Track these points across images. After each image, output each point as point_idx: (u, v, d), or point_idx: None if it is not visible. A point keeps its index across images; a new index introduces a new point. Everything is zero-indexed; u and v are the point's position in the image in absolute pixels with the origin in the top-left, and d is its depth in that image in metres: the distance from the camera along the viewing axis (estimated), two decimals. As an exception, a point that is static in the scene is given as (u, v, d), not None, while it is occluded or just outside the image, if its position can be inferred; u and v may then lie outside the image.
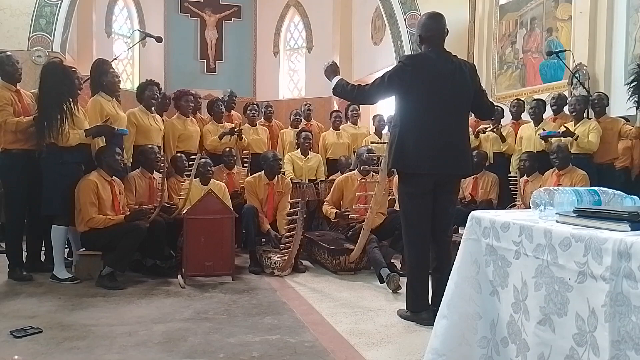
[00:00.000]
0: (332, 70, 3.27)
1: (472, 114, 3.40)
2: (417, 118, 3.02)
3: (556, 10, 6.37)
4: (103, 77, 4.22)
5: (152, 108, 4.77)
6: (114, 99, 4.34)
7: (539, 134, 5.00)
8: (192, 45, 10.95)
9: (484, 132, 5.51)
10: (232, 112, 6.46)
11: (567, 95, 5.44)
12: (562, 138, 4.82)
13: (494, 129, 5.41)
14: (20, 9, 6.39)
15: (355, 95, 3.16)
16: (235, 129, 5.50)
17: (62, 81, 3.83)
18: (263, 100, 7.47)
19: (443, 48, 3.09)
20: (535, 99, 5.47)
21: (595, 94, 5.05)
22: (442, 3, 6.62)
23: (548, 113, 5.34)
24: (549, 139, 4.92)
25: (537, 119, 5.24)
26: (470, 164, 3.19)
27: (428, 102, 3.00)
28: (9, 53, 4.03)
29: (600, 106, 4.93)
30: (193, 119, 5.46)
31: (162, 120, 5.01)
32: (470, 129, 3.46)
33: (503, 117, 5.71)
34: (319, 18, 10.49)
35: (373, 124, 6.68)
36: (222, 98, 6.37)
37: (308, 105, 6.94)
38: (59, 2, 6.46)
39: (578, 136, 4.74)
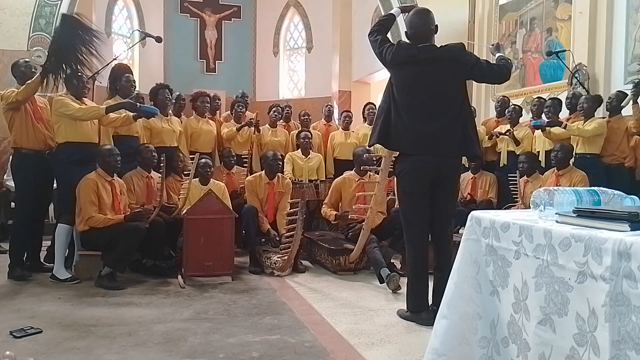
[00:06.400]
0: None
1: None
2: (401, 102, 3.02)
3: (556, 10, 6.36)
4: (117, 82, 4.41)
5: (166, 110, 4.91)
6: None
7: (528, 126, 4.99)
8: (192, 45, 10.93)
9: (498, 136, 5.42)
10: (247, 112, 6.51)
11: (582, 94, 5.35)
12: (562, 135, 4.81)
13: (508, 133, 5.33)
14: (20, 9, 6.39)
15: (371, 37, 3.45)
16: (253, 120, 5.61)
17: (75, 31, 3.87)
18: (281, 100, 7.45)
19: (430, 42, 3.05)
20: (551, 98, 5.40)
21: (615, 92, 4.97)
22: (442, 3, 6.61)
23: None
24: (538, 129, 4.91)
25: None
26: (463, 148, 3.04)
27: (410, 88, 3.01)
28: (27, 59, 4.26)
29: (615, 105, 4.86)
30: (209, 119, 5.62)
31: (180, 121, 5.22)
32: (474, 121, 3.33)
33: (521, 115, 5.61)
34: (319, 18, 10.46)
35: None
36: (239, 99, 6.42)
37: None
38: (59, 2, 6.46)
39: (566, 124, 4.71)
